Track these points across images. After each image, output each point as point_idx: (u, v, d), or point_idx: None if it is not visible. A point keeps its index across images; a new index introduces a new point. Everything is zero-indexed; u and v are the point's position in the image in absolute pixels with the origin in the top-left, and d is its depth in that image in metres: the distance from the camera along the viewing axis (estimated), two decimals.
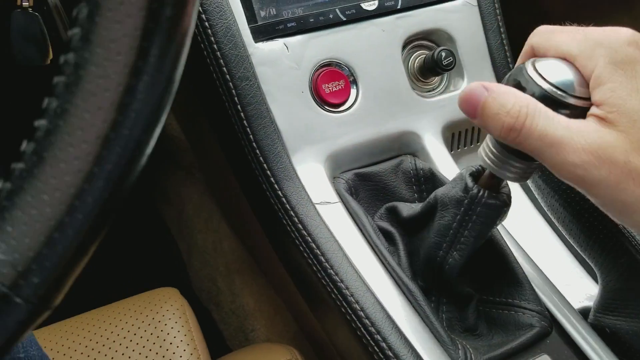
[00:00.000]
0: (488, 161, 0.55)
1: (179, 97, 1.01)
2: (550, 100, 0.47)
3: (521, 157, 0.52)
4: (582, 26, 0.50)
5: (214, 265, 1.12)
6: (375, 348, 0.60)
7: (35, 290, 0.31)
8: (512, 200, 0.80)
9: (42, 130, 0.30)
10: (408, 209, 0.70)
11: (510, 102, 0.46)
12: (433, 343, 0.61)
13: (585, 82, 0.48)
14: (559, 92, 0.47)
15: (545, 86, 0.47)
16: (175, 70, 0.31)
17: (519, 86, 0.49)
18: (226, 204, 1.09)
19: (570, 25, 0.51)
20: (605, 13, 1.76)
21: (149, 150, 0.32)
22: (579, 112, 0.47)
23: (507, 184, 0.60)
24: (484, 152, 0.55)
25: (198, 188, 1.19)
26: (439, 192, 0.64)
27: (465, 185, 0.59)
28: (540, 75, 0.48)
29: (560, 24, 0.52)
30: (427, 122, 0.81)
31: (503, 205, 0.58)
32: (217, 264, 1.12)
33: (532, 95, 0.47)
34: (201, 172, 1.16)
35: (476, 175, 0.60)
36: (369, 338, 0.61)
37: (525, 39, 0.53)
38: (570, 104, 0.47)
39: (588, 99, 0.47)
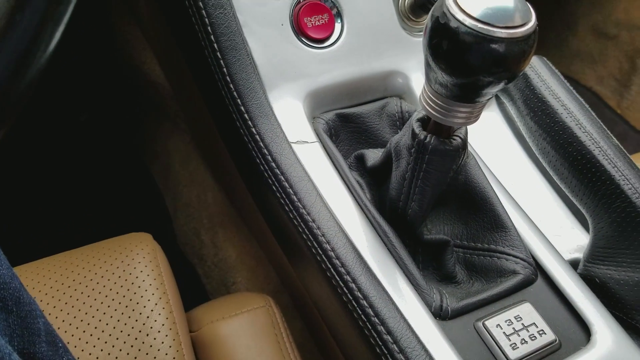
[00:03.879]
0: (430, 110, 0.50)
1: (160, 38, 0.96)
2: (477, 39, 0.42)
3: (466, 100, 0.47)
4: None
5: (198, 218, 1.09)
6: (345, 289, 0.56)
7: None
8: (501, 144, 0.76)
9: None
10: (373, 157, 0.66)
11: None
12: (406, 285, 0.57)
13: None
14: (486, 28, 0.42)
15: (468, 22, 0.42)
16: None
17: (438, 24, 0.44)
18: (209, 153, 1.05)
19: None
20: None
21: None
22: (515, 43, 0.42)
23: (465, 127, 0.55)
24: (424, 100, 0.51)
25: (184, 139, 1.15)
26: (394, 139, 0.59)
27: (413, 131, 0.54)
28: (460, 8, 0.43)
29: None
30: (416, 62, 0.76)
31: (454, 150, 0.53)
32: (201, 217, 1.08)
33: (455, 34, 0.42)
34: (186, 122, 1.12)
35: (426, 119, 0.55)
36: (338, 279, 0.57)
37: None
38: (505, 37, 0.42)
39: (524, 24, 0.42)
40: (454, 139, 0.54)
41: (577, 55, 1.81)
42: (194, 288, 1.11)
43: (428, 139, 0.53)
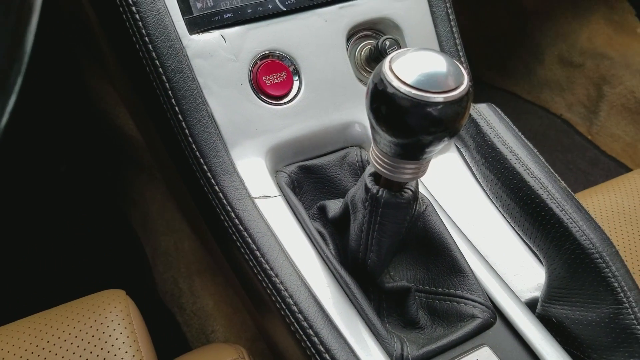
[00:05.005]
0: (380, 168, 0.53)
1: (129, 94, 0.99)
2: (413, 104, 0.45)
3: (411, 158, 0.50)
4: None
5: (176, 267, 1.11)
6: (308, 343, 0.58)
7: None
8: (460, 186, 0.79)
9: None
10: (333, 209, 0.68)
11: None
12: (368, 336, 0.59)
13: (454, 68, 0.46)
14: (420, 94, 0.44)
15: (403, 89, 0.45)
16: None
17: (377, 90, 0.46)
18: (183, 203, 1.07)
19: None
20: (581, 2, 1.75)
21: None
22: (449, 105, 0.45)
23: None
24: (373, 159, 0.53)
25: (160, 189, 1.17)
26: (350, 192, 0.62)
27: (366, 186, 0.57)
28: (396, 75, 0.45)
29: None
30: None
31: (406, 203, 0.56)
32: (179, 265, 1.10)
33: (392, 100, 0.45)
34: (160, 173, 1.14)
35: (378, 174, 0.57)
36: (301, 333, 0.59)
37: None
38: (439, 102, 0.45)
39: (456, 87, 0.45)
40: (405, 192, 0.56)
41: (545, 84, 1.86)
42: (175, 336, 1.11)
43: (380, 193, 0.55)
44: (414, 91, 0.45)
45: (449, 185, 0.78)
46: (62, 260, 1.36)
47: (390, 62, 0.47)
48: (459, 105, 0.46)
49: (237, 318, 0.98)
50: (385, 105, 0.47)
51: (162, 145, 0.86)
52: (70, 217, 1.42)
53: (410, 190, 0.57)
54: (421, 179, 0.77)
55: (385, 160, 0.52)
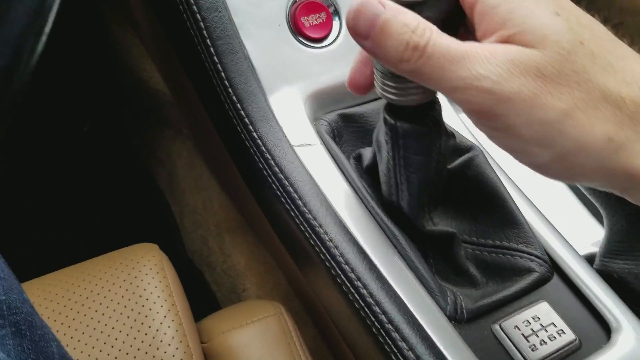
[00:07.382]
0: (386, 94, 0.47)
1: (157, 44, 0.95)
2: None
3: None
4: None
5: (204, 225, 1.08)
6: (356, 295, 0.55)
7: None
8: None
9: None
10: (368, 157, 0.63)
11: (415, 21, 0.39)
12: (419, 289, 0.55)
13: None
14: None
15: None
16: None
17: None
18: (213, 160, 1.04)
19: None
20: None
21: None
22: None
23: (438, 106, 0.51)
24: (379, 87, 0.48)
25: (187, 145, 1.14)
26: (374, 132, 0.56)
27: (385, 118, 0.51)
28: None
29: None
30: None
31: (427, 130, 0.50)
32: (207, 224, 1.07)
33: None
34: (188, 128, 1.10)
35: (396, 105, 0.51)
36: (349, 285, 0.56)
37: None
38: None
39: None
40: (424, 120, 0.51)
41: None
42: (205, 296, 1.10)
43: (399, 123, 0.51)
44: None
45: None
46: (86, 220, 1.35)
47: None
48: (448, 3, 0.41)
49: (270, 277, 0.96)
50: None
51: (193, 97, 0.82)
52: (93, 180, 1.40)
53: (432, 116, 0.51)
54: (470, 127, 0.72)
55: (389, 83, 0.47)
